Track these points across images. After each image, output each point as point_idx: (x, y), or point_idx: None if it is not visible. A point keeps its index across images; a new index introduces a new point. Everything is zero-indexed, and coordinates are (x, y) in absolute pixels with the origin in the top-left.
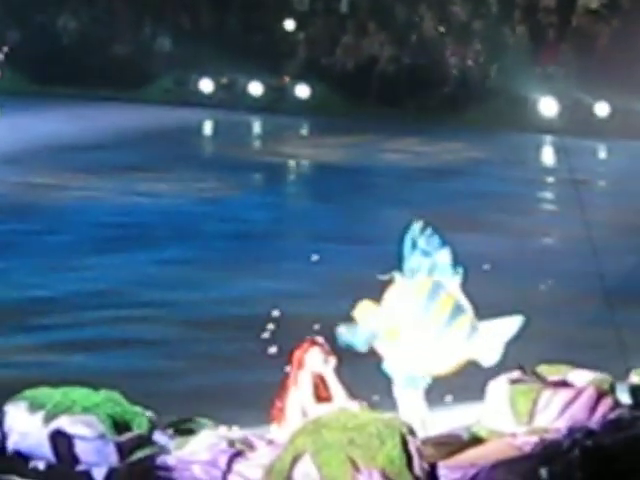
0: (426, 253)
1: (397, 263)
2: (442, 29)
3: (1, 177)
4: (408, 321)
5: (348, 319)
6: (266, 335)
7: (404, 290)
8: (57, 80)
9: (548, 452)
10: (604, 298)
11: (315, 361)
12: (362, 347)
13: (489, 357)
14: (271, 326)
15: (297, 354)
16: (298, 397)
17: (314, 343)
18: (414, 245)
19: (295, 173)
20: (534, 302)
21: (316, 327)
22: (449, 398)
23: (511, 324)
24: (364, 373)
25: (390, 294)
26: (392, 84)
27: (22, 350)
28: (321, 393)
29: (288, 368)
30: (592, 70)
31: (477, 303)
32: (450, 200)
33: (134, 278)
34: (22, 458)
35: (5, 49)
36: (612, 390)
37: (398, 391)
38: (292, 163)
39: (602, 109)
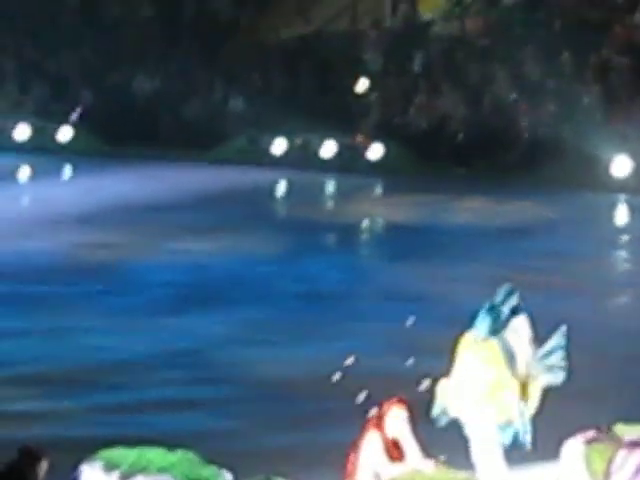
0: (504, 315)
1: (469, 322)
2: (515, 89)
3: (74, 238)
4: (502, 378)
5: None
6: (340, 395)
7: (483, 350)
8: (130, 141)
9: None
10: None
11: (394, 421)
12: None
13: (558, 375)
14: (345, 386)
15: (378, 413)
16: (370, 457)
17: (396, 402)
18: (495, 308)
19: (368, 233)
20: (610, 361)
21: (390, 387)
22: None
23: (558, 338)
24: (439, 432)
25: (466, 355)
26: (465, 144)
27: (95, 410)
28: (393, 453)
29: (365, 427)
30: None
31: None
32: (523, 259)
33: (206, 338)
34: None
35: (79, 110)
36: None
37: (477, 451)
38: (365, 223)
39: None
